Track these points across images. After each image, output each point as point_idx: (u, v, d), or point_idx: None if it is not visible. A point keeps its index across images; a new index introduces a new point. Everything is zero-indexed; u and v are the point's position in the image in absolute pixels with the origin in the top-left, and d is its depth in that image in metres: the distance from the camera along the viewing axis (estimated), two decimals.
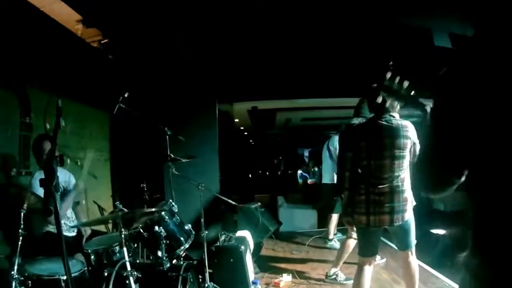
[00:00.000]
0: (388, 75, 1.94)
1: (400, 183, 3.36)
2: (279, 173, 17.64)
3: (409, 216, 3.41)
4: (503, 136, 1.28)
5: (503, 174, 1.30)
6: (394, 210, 3.33)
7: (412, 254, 3.56)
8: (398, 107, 3.45)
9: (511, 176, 1.28)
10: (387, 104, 3.42)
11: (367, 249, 3.60)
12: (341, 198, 6.75)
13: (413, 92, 1.90)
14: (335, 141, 6.86)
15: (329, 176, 7.01)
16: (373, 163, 3.41)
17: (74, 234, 4.05)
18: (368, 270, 3.60)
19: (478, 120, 1.33)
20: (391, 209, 3.33)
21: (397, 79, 1.92)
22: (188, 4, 5.29)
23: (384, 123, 3.42)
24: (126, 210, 3.22)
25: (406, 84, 1.92)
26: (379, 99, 2.09)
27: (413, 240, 3.52)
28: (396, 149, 3.34)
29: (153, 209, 3.46)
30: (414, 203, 3.52)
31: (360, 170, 3.54)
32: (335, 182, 6.87)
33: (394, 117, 3.45)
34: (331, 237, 6.88)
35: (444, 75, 1.46)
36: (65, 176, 4.09)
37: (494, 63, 1.32)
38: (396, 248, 3.68)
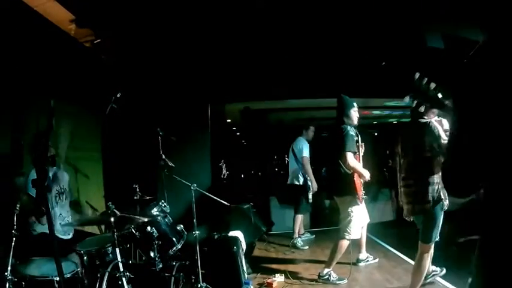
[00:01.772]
0: (417, 75, 1.90)
1: (431, 176, 3.70)
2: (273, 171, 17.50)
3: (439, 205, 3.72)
4: None
5: None
6: (427, 199, 3.70)
7: (429, 250, 3.89)
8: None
9: None
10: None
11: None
12: (306, 200, 6.92)
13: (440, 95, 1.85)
14: (299, 143, 7.01)
15: (294, 177, 7.17)
16: (411, 160, 3.88)
17: (69, 236, 4.03)
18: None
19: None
20: (426, 198, 3.71)
21: (425, 80, 1.88)
22: (180, 6, 5.29)
23: (418, 124, 3.76)
24: (117, 211, 3.23)
25: (433, 85, 1.88)
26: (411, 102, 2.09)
27: (435, 236, 3.81)
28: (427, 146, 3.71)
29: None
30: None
31: (404, 167, 3.97)
32: (301, 183, 6.98)
33: (425, 118, 3.74)
34: (296, 235, 7.01)
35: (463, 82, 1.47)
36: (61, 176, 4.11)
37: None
38: (419, 239, 3.92)
